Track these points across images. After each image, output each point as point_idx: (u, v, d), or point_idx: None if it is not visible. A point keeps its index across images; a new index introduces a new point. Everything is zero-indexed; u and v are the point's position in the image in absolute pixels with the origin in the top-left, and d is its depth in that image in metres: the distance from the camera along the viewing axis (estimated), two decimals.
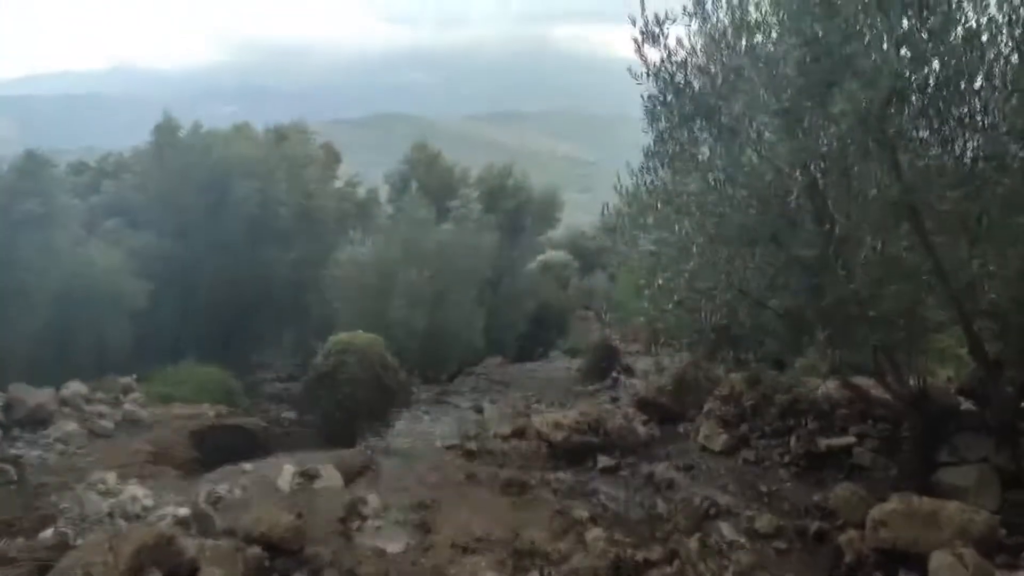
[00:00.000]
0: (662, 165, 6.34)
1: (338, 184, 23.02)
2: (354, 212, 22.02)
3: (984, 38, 5.24)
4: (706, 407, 8.88)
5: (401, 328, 16.28)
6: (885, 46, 5.04)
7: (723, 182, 5.70)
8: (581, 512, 6.97)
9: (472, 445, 8.75)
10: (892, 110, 5.25)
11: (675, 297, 6.07)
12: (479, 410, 15.34)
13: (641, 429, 8.93)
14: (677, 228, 5.99)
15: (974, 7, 5.23)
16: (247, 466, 8.27)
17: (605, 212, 6.94)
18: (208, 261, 18.24)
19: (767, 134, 5.47)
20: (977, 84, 5.24)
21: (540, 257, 27.29)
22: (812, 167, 5.71)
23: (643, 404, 9.58)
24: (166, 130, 19.82)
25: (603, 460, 8.24)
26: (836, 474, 7.65)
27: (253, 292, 18.98)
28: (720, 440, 8.40)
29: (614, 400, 10.87)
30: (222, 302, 18.46)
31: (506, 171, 24.67)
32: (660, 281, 6.24)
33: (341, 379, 11.55)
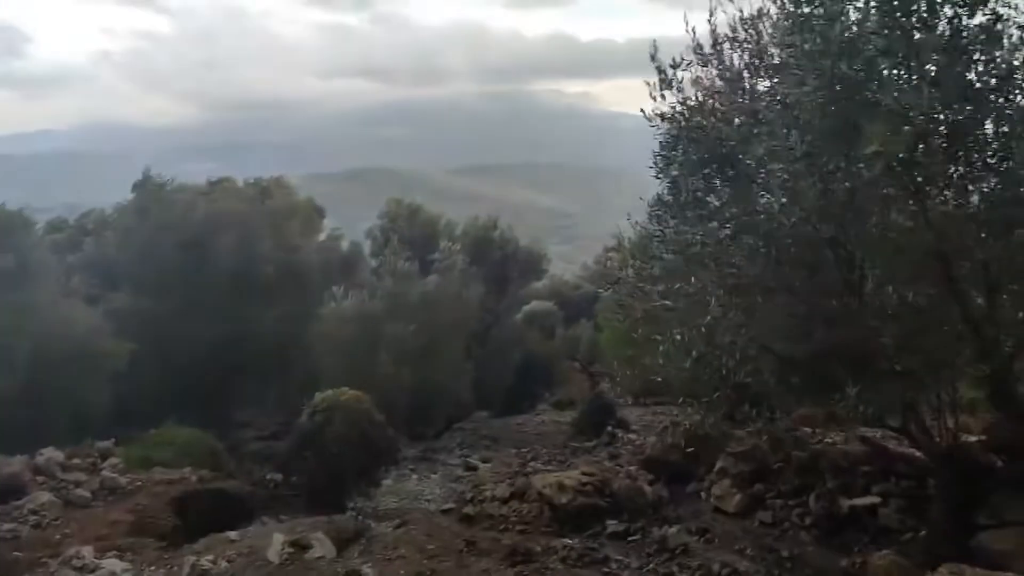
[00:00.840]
0: (672, 215, 6.09)
1: (321, 238, 22.79)
2: (338, 266, 21.74)
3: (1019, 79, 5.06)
4: (718, 465, 8.49)
5: (387, 383, 15.95)
6: (915, 86, 4.85)
7: (739, 231, 5.47)
8: None
9: (470, 509, 8.28)
10: (921, 153, 5.05)
11: (693, 353, 5.74)
12: (469, 467, 14.97)
13: (648, 489, 8.51)
14: (693, 280, 5.75)
15: (1007, 49, 5.03)
16: (233, 535, 7.86)
17: (607, 263, 6.70)
18: (190, 318, 17.82)
19: (786, 179, 5.22)
20: (1002, 127, 5.06)
21: (525, 308, 27.11)
22: (835, 213, 5.47)
23: (650, 463, 9.16)
24: (146, 186, 19.58)
25: (611, 524, 7.78)
26: (861, 537, 7.22)
27: (236, 349, 18.55)
28: (734, 500, 8.01)
29: (614, 457, 10.44)
30: (204, 360, 17.98)
31: (491, 223, 24.61)
32: (678, 336, 5.89)
33: (327, 439, 11.25)
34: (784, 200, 5.27)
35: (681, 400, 6.24)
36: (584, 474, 8.38)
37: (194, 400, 17.22)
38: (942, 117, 5.02)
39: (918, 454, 8.28)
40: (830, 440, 8.50)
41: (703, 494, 8.54)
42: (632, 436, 11.94)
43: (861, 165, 5.10)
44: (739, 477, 8.20)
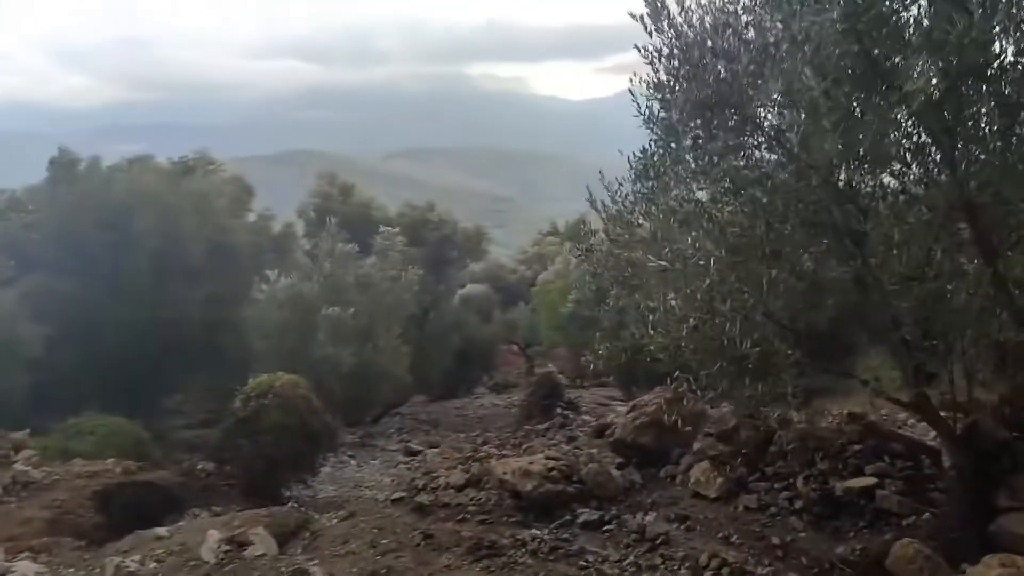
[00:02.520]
0: (662, 170, 5.51)
1: (251, 218, 21.96)
2: (269, 247, 20.99)
3: None
4: (696, 446, 7.99)
5: (324, 368, 15.38)
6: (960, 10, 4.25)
7: (742, 185, 4.97)
8: None
9: (423, 498, 7.62)
10: (969, 91, 4.50)
11: (690, 321, 5.13)
12: (410, 453, 14.56)
13: (616, 474, 7.98)
14: (689, 240, 5.18)
15: None
16: (162, 531, 7.21)
17: (582, 231, 6.12)
18: (111, 302, 16.94)
19: (801, 123, 4.63)
20: None
21: (460, 291, 26.76)
22: (852, 164, 4.91)
23: (618, 445, 8.57)
24: (62, 165, 18.55)
25: (583, 513, 7.18)
26: (856, 521, 6.75)
27: (162, 333, 17.72)
28: (715, 485, 7.45)
29: (571, 440, 9.98)
30: (128, 345, 17.12)
31: (429, 205, 24.13)
32: (675, 302, 5.23)
33: (263, 425, 10.73)
34: (797, 149, 4.72)
35: (675, 374, 5.61)
36: (549, 459, 7.83)
37: (118, 387, 16.44)
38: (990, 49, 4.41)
39: (913, 434, 7.97)
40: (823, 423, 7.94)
41: (679, 478, 8.00)
42: (586, 418, 11.58)
43: (890, 105, 4.57)
44: (719, 459, 7.68)
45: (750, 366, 4.98)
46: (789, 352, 5.08)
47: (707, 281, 5.00)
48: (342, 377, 15.94)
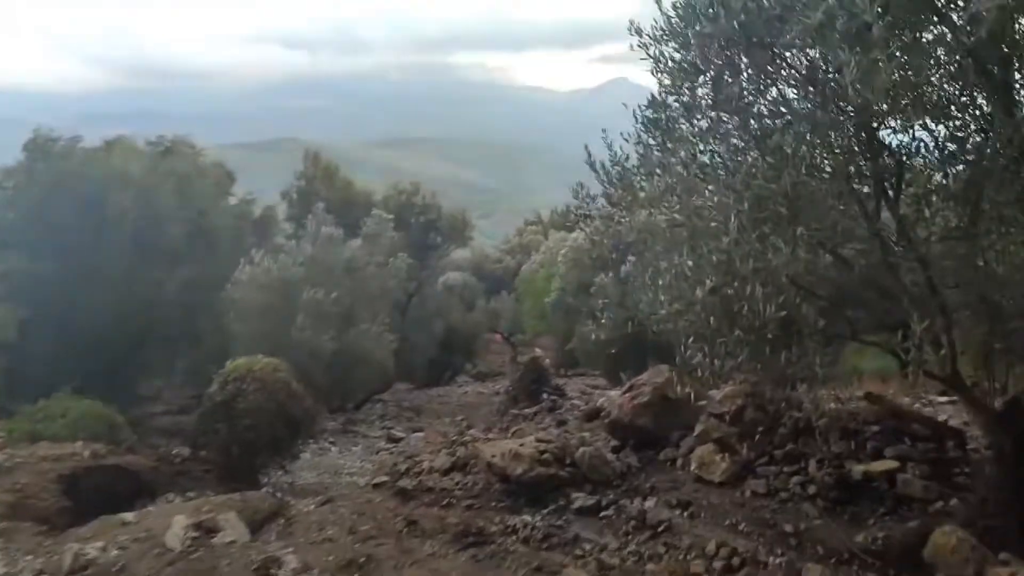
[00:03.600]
0: (673, 123, 4.97)
1: (233, 202, 21.54)
2: (251, 230, 20.59)
3: None
4: (698, 428, 7.45)
5: (305, 352, 15.05)
6: None
7: (767, 134, 4.46)
8: (568, 569, 5.62)
9: (406, 483, 7.20)
10: None
11: (707, 282, 4.58)
12: (392, 439, 14.29)
13: (611, 457, 7.48)
14: (708, 194, 4.68)
15: None
16: (129, 516, 6.80)
17: (579, 192, 5.66)
18: (88, 284, 16.52)
19: (855, 56, 3.97)
20: None
21: (441, 279, 26.51)
22: (898, 106, 4.32)
23: (615, 427, 8.01)
24: (38, 144, 18.06)
25: (577, 498, 6.74)
26: (876, 507, 6.24)
27: (140, 316, 17.33)
28: (720, 468, 6.92)
29: (561, 424, 9.63)
30: (105, 328, 16.71)
31: (414, 189, 23.76)
32: (690, 262, 4.67)
33: (240, 409, 10.44)
34: (850, 86, 3.96)
35: (690, 342, 5.09)
36: (540, 441, 7.41)
37: (95, 372, 16.04)
38: None
39: (931, 413, 7.44)
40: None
41: (679, 461, 7.43)
42: (576, 402, 11.30)
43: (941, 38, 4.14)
44: (723, 441, 7.15)
45: (770, 335, 4.51)
46: (813, 321, 4.59)
47: (726, 240, 4.49)
48: (323, 362, 15.65)
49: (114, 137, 20.43)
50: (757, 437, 7.17)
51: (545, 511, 6.66)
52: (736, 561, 5.60)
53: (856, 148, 4.60)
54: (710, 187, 4.85)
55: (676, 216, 4.86)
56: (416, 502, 7.01)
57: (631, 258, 5.86)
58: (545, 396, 11.71)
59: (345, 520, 6.59)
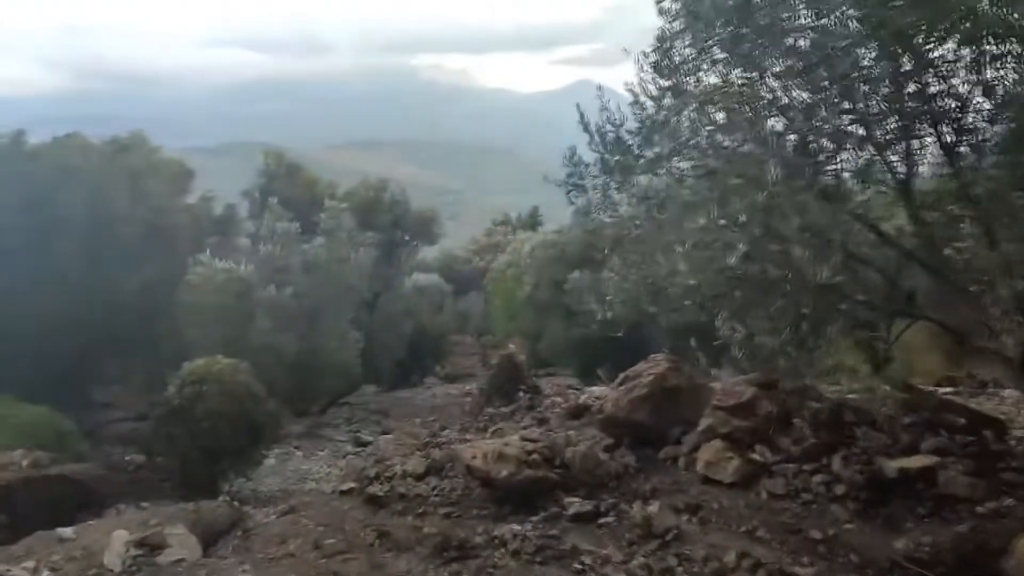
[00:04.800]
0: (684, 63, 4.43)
1: (191, 200, 20.80)
2: (211, 230, 19.88)
3: None
4: (703, 423, 6.73)
5: (267, 354, 14.43)
6: None
7: (811, 67, 3.88)
8: None
9: (376, 489, 6.51)
10: None
11: (740, 246, 3.96)
12: (360, 444, 13.75)
13: (604, 456, 6.75)
14: (732, 142, 4.04)
15: None
16: (67, 532, 6.12)
17: (571, 159, 5.12)
18: (36, 287, 15.77)
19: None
20: None
21: (407, 280, 25.92)
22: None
23: (609, 423, 7.31)
24: None
25: (572, 503, 6.04)
26: (916, 508, 5.63)
27: (94, 320, 16.58)
28: (731, 467, 6.26)
29: (542, 422, 9.08)
30: (55, 333, 15.96)
31: (381, 185, 23.16)
32: (722, 221, 4.04)
33: (198, 413, 9.86)
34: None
35: (724, 314, 4.49)
36: (526, 440, 6.73)
37: (46, 380, 15.25)
38: None
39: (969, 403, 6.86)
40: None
41: (682, 460, 6.76)
42: (556, 399, 10.81)
43: None
44: (733, 437, 6.43)
45: (805, 312, 3.95)
46: (859, 298, 4.04)
47: (763, 194, 3.86)
48: (286, 365, 15.05)
49: (64, 135, 19.69)
50: (772, 431, 6.54)
51: (536, 519, 6.00)
52: (762, 574, 5.02)
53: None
54: (737, 133, 4.23)
55: (710, 162, 4.22)
56: (388, 511, 6.39)
57: (638, 232, 5.18)
58: (521, 394, 11.24)
59: (309, 532, 5.98)
